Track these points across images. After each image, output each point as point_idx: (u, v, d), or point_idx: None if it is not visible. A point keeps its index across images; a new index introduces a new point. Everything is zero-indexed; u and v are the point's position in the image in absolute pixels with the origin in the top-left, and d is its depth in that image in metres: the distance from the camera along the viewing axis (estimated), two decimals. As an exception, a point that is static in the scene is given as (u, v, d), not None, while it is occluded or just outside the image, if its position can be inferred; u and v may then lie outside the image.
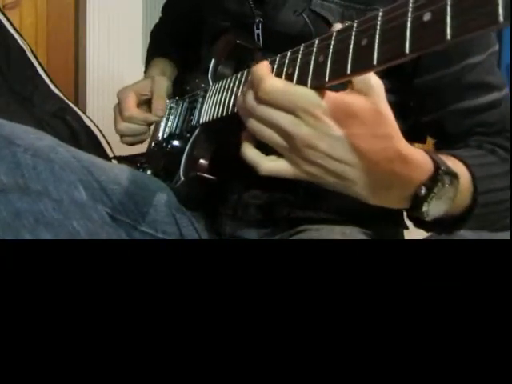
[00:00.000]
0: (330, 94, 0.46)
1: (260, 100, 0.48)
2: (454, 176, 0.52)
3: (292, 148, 0.48)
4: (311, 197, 0.73)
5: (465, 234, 0.61)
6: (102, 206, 0.70)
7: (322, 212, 0.73)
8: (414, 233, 0.86)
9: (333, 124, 0.46)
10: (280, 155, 0.50)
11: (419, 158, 0.50)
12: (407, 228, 0.81)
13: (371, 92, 0.47)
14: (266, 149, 0.51)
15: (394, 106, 0.70)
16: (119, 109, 0.86)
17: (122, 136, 0.86)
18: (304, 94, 0.47)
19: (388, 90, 0.69)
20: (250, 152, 0.52)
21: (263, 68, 0.49)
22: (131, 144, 0.88)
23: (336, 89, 0.47)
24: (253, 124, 0.50)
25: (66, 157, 0.68)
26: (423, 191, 0.50)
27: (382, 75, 0.67)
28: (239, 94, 0.60)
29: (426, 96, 0.69)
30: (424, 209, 0.51)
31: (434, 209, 0.51)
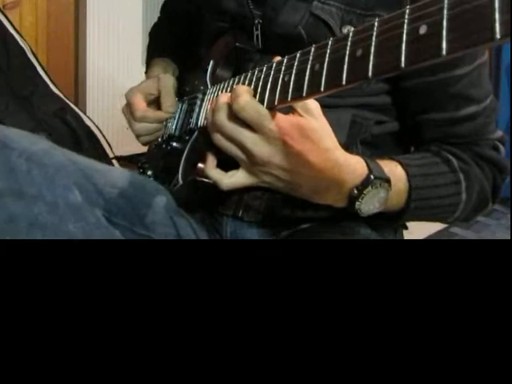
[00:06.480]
0: (288, 117, 0.55)
1: (231, 116, 0.56)
2: (385, 180, 0.60)
3: (251, 162, 0.57)
4: None
5: (465, 234, 0.62)
6: (97, 208, 0.69)
7: (322, 211, 0.73)
8: (414, 233, 0.86)
9: (288, 143, 0.54)
10: (236, 168, 0.59)
11: (353, 164, 0.59)
12: (407, 228, 0.81)
13: (315, 114, 0.55)
14: (227, 162, 0.60)
15: (390, 106, 0.71)
16: (130, 110, 0.86)
17: (138, 136, 0.88)
18: (271, 117, 0.54)
19: (383, 92, 0.70)
20: (211, 172, 0.61)
21: (244, 87, 0.57)
22: (148, 143, 0.90)
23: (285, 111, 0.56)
24: (219, 139, 0.58)
25: (61, 160, 0.67)
26: (355, 192, 0.59)
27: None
28: (209, 110, 0.64)
29: (410, 99, 0.70)
30: (357, 207, 0.59)
31: (366, 207, 0.60)
